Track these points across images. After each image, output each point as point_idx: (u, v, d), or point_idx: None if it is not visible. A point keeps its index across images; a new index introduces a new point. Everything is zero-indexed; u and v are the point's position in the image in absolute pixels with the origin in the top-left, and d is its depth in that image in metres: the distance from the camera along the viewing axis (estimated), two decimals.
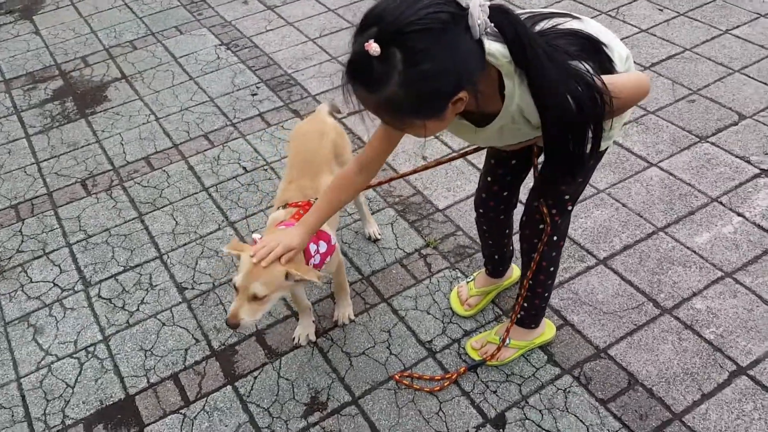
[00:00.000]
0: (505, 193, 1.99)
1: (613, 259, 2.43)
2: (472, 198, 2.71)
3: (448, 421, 2.00)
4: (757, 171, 2.74)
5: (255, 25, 4.21)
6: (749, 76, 3.28)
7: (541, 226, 1.84)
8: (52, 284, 2.57)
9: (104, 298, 2.50)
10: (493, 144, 1.72)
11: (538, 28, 1.43)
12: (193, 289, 2.50)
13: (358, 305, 2.36)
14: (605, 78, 1.37)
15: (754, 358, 2.07)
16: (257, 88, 3.62)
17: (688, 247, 2.45)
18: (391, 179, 2.12)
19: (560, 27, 1.44)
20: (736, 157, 2.82)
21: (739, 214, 2.56)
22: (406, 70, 1.19)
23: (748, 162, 2.79)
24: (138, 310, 2.44)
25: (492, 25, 1.24)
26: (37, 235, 2.80)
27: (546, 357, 2.14)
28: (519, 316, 2.07)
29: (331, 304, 2.38)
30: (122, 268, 2.62)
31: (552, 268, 1.95)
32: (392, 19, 1.18)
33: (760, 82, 3.23)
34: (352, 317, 2.32)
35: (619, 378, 2.06)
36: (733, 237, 2.47)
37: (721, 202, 2.62)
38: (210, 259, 2.62)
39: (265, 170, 3.04)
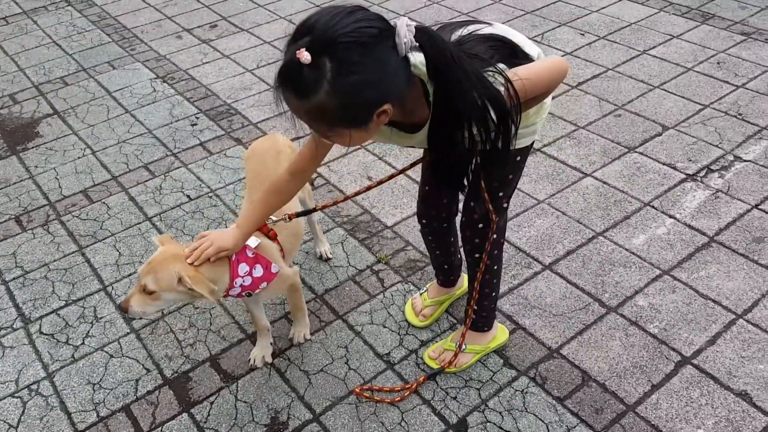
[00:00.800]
0: (444, 201, 2.05)
1: (558, 264, 2.52)
2: None
3: (410, 430, 2.00)
4: (683, 176, 2.91)
5: (190, 59, 4.20)
6: (668, 91, 3.49)
7: (480, 226, 1.90)
8: None
9: (46, 334, 2.40)
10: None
11: (456, 34, 1.55)
12: (141, 318, 2.43)
13: (314, 324, 2.35)
14: (523, 68, 1.47)
15: (697, 348, 2.18)
16: (196, 118, 3.60)
17: (626, 249, 2.57)
18: (336, 202, 2.13)
19: (477, 33, 1.55)
20: (663, 164, 2.98)
21: (670, 216, 2.70)
22: (335, 80, 1.23)
23: (675, 168, 2.96)
24: (83, 343, 2.35)
25: (417, 44, 1.31)
26: None
27: (502, 361, 2.18)
28: (471, 319, 2.11)
29: (285, 325, 2.36)
30: (64, 302, 2.52)
31: (496, 267, 2.01)
32: (324, 30, 1.23)
33: (678, 96, 3.45)
34: (308, 336, 2.31)
35: (573, 375, 2.12)
36: (667, 237, 2.60)
37: (653, 206, 2.76)
38: None
39: (210, 197, 3.01)
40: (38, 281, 2.62)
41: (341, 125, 1.34)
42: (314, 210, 2.06)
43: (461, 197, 1.96)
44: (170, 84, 3.94)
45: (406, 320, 2.34)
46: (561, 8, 4.44)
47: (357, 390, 2.11)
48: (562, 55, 3.85)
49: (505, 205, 1.89)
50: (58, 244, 2.80)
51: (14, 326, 2.44)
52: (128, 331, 2.39)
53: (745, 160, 2.97)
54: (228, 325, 2.39)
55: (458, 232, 2.22)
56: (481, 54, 1.47)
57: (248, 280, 1.91)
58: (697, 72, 3.64)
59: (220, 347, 2.31)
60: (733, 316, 2.27)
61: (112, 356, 2.30)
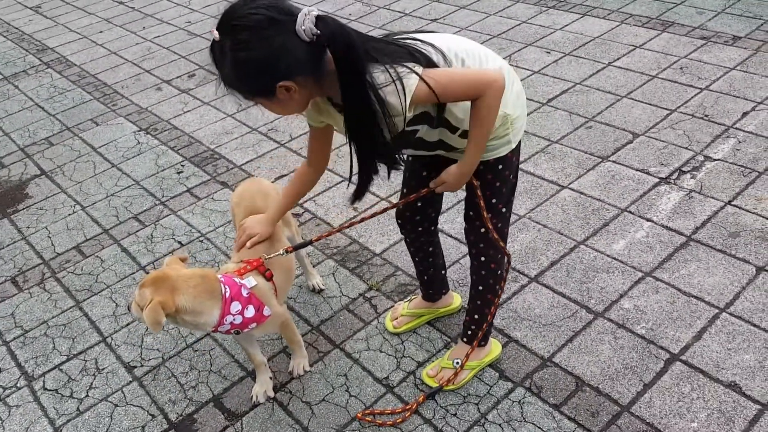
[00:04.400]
0: (419, 204, 2.13)
1: (543, 276, 2.59)
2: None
3: None
4: (656, 180, 3.01)
5: (171, 109, 4.30)
6: (635, 100, 3.62)
7: (483, 230, 1.98)
8: None
9: (50, 390, 2.44)
10: None
11: (396, 37, 1.70)
12: (142, 366, 2.48)
13: (312, 355, 2.40)
14: (439, 70, 1.62)
15: (684, 345, 2.25)
16: (182, 166, 3.68)
17: (608, 255, 2.65)
18: (330, 233, 2.19)
19: (413, 37, 1.68)
20: (636, 170, 3.08)
21: (647, 220, 2.79)
22: (232, 54, 1.48)
23: (648, 173, 3.06)
24: (87, 396, 2.39)
25: (318, 31, 1.46)
26: None
27: (497, 374, 2.24)
28: (470, 332, 2.18)
29: (284, 359, 2.41)
30: (65, 357, 2.57)
31: (499, 271, 2.08)
32: (228, 15, 1.48)
33: (646, 103, 3.57)
34: (308, 367, 2.36)
35: (567, 382, 2.18)
36: (646, 240, 2.69)
37: (630, 211, 2.85)
38: (156, 334, 2.61)
39: (201, 241, 3.08)
40: (38, 339, 2.67)
41: (252, 94, 1.59)
42: (310, 242, 2.13)
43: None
44: (153, 135, 4.03)
45: (384, 326, 2.45)
46: (526, 29, 4.58)
47: (359, 415, 2.16)
48: (529, 75, 3.98)
49: (503, 210, 1.97)
50: (55, 301, 2.85)
51: (18, 385, 2.48)
52: (130, 379, 2.44)
53: (715, 159, 3.07)
54: (228, 364, 2.44)
55: (440, 251, 2.31)
56: (394, 52, 1.61)
57: (239, 319, 1.97)
58: (662, 78, 3.77)
59: (222, 387, 2.36)
60: (716, 311, 2.35)
61: (116, 405, 2.34)
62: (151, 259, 3.01)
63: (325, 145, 1.98)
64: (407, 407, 2.16)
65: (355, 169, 1.78)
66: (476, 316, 2.18)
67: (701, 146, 3.17)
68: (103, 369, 2.49)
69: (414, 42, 1.66)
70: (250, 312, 1.98)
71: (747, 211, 2.76)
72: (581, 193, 3.00)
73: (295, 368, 2.35)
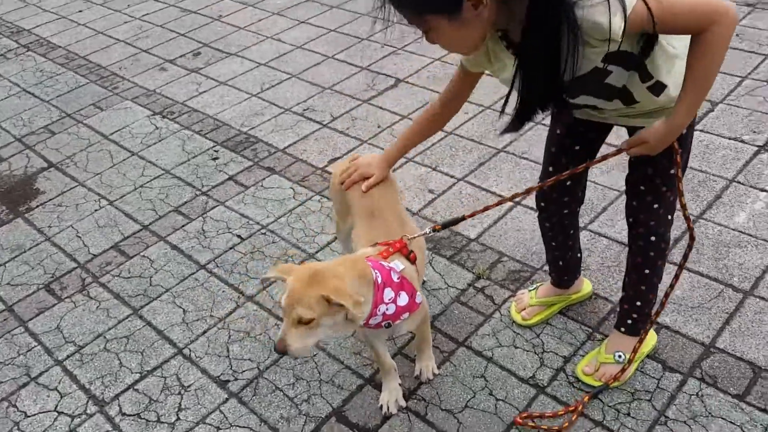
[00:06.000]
0: (569, 182, 1.86)
1: (671, 255, 2.36)
2: (501, 222, 2.59)
3: None
4: (755, 148, 2.82)
5: (183, 90, 3.88)
6: None
7: (656, 206, 1.72)
8: (56, 413, 2.08)
9: (130, 415, 2.05)
10: None
11: None
12: (236, 380, 2.12)
13: (435, 356, 2.10)
14: None
15: None
16: (215, 151, 3.29)
17: (732, 229, 2.44)
18: (487, 207, 1.85)
19: None
20: (729, 139, 2.89)
21: (761, 190, 2.60)
22: None
23: (743, 141, 2.87)
24: (179, 419, 2.03)
25: None
26: (12, 359, 2.29)
27: (660, 365, 2.00)
28: (630, 320, 1.93)
29: (403, 362, 2.11)
30: (138, 375, 2.18)
31: (663, 245, 1.82)
32: None
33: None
34: (437, 370, 2.06)
35: (741, 369, 1.96)
36: (767, 212, 2.50)
37: (739, 182, 2.66)
38: (242, 342, 2.25)
39: (264, 234, 2.72)
40: (98, 355, 2.26)
41: (431, 9, 1.33)
42: (462, 218, 1.82)
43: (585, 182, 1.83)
44: (171, 119, 3.61)
45: (511, 317, 2.17)
46: None
47: (519, 420, 1.88)
48: None
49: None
50: (107, 310, 2.44)
51: (88, 411, 2.08)
52: (226, 396, 2.08)
53: None
54: (340, 372, 2.11)
55: (579, 232, 2.05)
56: None
57: (392, 308, 1.66)
58: None
59: (340, 398, 2.03)
60: None
61: (219, 428, 1.98)
62: (210, 257, 2.63)
63: (468, 89, 1.79)
64: (570, 408, 1.89)
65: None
66: (638, 303, 1.92)
67: None
68: (189, 386, 2.12)
69: None
70: (403, 299, 1.67)
71: None
72: None
73: (423, 371, 2.04)
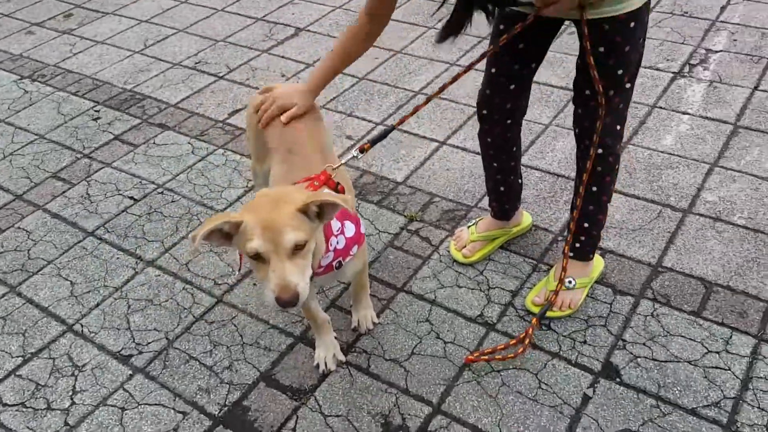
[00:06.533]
0: (512, 86, 1.69)
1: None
2: (428, 163, 2.40)
3: (556, 391, 1.63)
4: (671, 75, 2.78)
5: (55, 52, 3.42)
6: None
7: (593, 103, 1.58)
8: None
9: (12, 405, 1.70)
10: None
11: None
12: (141, 354, 1.81)
13: (374, 304, 1.88)
14: None
15: None
16: (96, 111, 2.89)
17: (661, 152, 2.37)
18: (417, 108, 1.64)
19: None
20: (646, 68, 2.83)
21: (683, 113, 2.55)
22: None
23: (659, 69, 2.83)
24: (74, 403, 1.69)
25: None
26: None
27: (610, 290, 1.88)
28: (579, 244, 1.79)
29: (337, 315, 1.87)
30: (20, 358, 1.82)
31: (611, 159, 1.68)
32: None
33: None
34: (376, 319, 1.84)
35: (693, 286, 1.86)
36: (693, 132, 2.45)
37: (661, 107, 2.60)
38: (145, 311, 1.93)
39: (162, 193, 2.38)
40: None
41: None
42: (393, 128, 1.60)
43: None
44: (42, 82, 3.16)
45: (450, 255, 1.99)
46: None
47: (470, 358, 1.69)
48: None
49: (627, 84, 1.58)
50: None
51: None
52: (130, 372, 1.76)
53: (717, 51, 2.91)
54: (265, 332, 1.85)
55: (520, 148, 1.88)
56: None
57: (342, 241, 1.43)
58: None
59: (268, 360, 1.77)
60: None
61: (124, 408, 1.67)
62: (98, 222, 2.27)
63: None
64: (521, 336, 1.72)
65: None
66: (586, 225, 1.79)
67: (697, 41, 3.00)
68: (83, 365, 1.79)
69: None
70: (350, 229, 1.45)
71: None
72: None
73: (361, 321, 1.82)
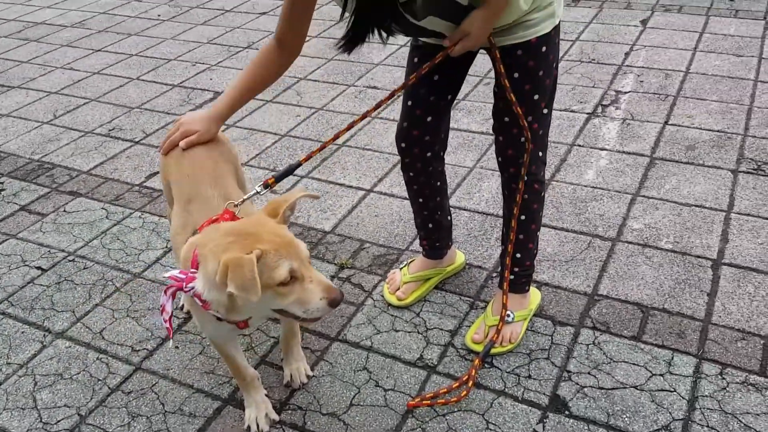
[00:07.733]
0: (429, 118, 1.67)
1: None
2: (356, 210, 2.35)
3: (505, 430, 1.54)
4: (585, 115, 2.87)
5: None
6: None
7: (522, 140, 1.58)
8: None
9: None
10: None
11: None
12: None
13: (306, 357, 1.76)
14: None
15: (717, 249, 2.05)
16: (0, 183, 2.72)
17: (585, 186, 2.40)
18: (323, 146, 1.58)
19: None
20: (561, 110, 2.91)
21: (601, 149, 2.62)
22: None
23: (573, 111, 2.91)
24: None
25: None
26: None
27: (549, 322, 1.83)
28: (512, 276, 1.75)
29: (269, 372, 1.74)
30: None
31: (537, 186, 1.68)
32: None
33: None
34: (309, 372, 1.72)
35: (630, 311, 1.85)
36: (613, 166, 2.50)
37: (579, 145, 2.66)
38: (54, 386, 1.75)
39: (72, 261, 2.22)
40: None
41: None
42: (299, 165, 1.54)
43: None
44: None
45: (385, 299, 1.92)
46: None
47: (411, 403, 1.59)
48: None
49: (545, 110, 1.59)
50: None
51: None
52: None
53: (626, 92, 3.04)
54: (189, 398, 1.69)
55: (447, 188, 1.86)
56: None
57: None
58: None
59: (194, 428, 1.61)
60: (724, 213, 2.20)
61: None
62: (1, 296, 2.08)
63: (305, 16, 1.50)
64: (464, 378, 1.64)
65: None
66: (518, 255, 1.75)
67: (606, 83, 3.13)
68: None
69: None
70: None
71: (687, 126, 2.72)
72: None
73: (294, 375, 1.69)
